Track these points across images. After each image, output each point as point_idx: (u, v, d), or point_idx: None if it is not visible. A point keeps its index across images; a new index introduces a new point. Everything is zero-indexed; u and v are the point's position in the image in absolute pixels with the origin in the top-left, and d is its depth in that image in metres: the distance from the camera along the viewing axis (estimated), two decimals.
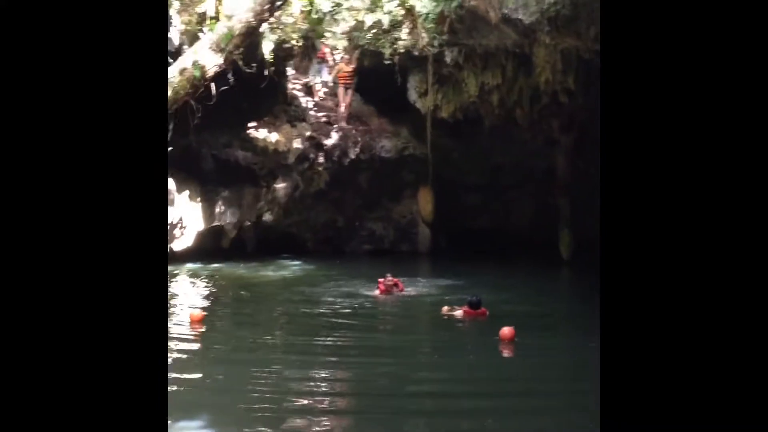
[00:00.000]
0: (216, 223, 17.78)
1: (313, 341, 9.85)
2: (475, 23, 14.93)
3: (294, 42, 17.12)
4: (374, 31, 17.49)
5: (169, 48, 14.43)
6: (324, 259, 18.21)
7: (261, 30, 13.87)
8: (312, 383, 8.03)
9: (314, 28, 17.19)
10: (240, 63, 11.71)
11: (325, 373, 8.43)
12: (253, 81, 15.30)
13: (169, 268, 15.48)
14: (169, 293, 13.30)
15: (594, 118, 16.09)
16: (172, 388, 7.35)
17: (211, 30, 11.27)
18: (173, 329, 10.46)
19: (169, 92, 10.36)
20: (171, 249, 16.54)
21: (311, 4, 16.82)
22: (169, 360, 8.56)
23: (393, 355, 9.38)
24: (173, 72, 10.64)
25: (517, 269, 16.79)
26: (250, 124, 18.16)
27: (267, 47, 16.10)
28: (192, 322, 10.81)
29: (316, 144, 18.58)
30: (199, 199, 17.26)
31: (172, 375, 7.83)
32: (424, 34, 16.51)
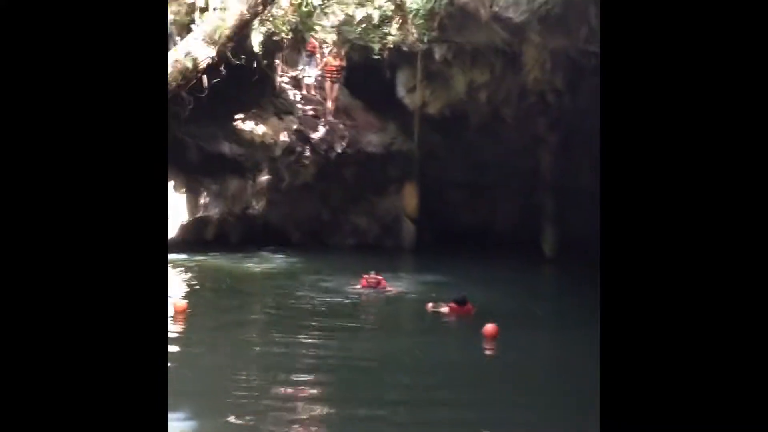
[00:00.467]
0: (200, 215, 17.73)
1: (295, 336, 9.85)
2: (465, 21, 14.98)
3: (283, 35, 17.07)
4: (364, 25, 17.47)
5: None
6: (308, 252, 18.20)
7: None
8: (293, 377, 8.04)
9: (304, 21, 17.14)
10: (229, 55, 11.67)
11: (307, 368, 8.44)
12: (242, 73, 15.26)
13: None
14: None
15: (581, 118, 16.19)
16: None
17: (204, 21, 11.22)
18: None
19: None
20: None
21: None
22: None
23: (375, 351, 9.38)
24: None
25: (500, 266, 16.87)
26: (237, 116, 18.10)
27: (256, 39, 16.05)
28: (176, 313, 10.80)
29: (302, 137, 18.55)
30: (184, 190, 17.21)
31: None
32: (413, 30, 16.52)
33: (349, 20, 17.55)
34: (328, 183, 19.15)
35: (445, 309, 11.13)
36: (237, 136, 18.02)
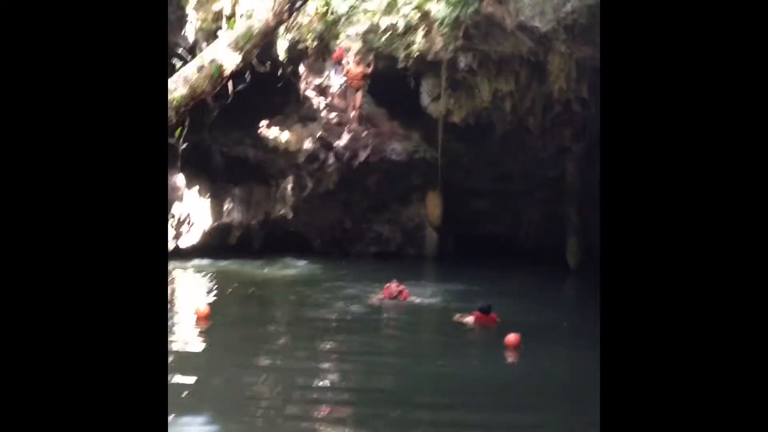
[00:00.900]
0: (224, 220, 17.81)
1: (316, 344, 9.82)
2: (490, 29, 14.93)
3: (308, 42, 17.14)
4: (389, 34, 17.49)
5: (184, 44, 14.50)
6: (330, 260, 18.21)
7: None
8: (314, 385, 8.02)
9: (329, 29, 17.20)
10: (254, 62, 11.73)
11: (327, 377, 8.41)
12: (267, 80, 15.34)
13: (176, 263, 15.53)
14: (170, 289, 13.33)
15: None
16: (175, 383, 7.37)
17: (230, 29, 11.30)
18: (179, 325, 10.50)
19: (186, 90, 10.38)
20: (178, 245, 16.58)
21: (327, 5, 16.85)
22: (173, 355, 8.58)
23: (395, 361, 9.32)
24: (191, 69, 10.67)
25: (524, 276, 16.77)
26: (261, 123, 18.19)
27: (281, 47, 16.13)
28: (198, 318, 10.84)
29: (326, 144, 18.58)
30: (208, 195, 17.30)
31: (176, 370, 7.86)
32: (438, 39, 16.49)
33: (374, 29, 17.57)
34: (351, 190, 19.16)
35: (470, 318, 11.05)
36: (261, 142, 18.11)
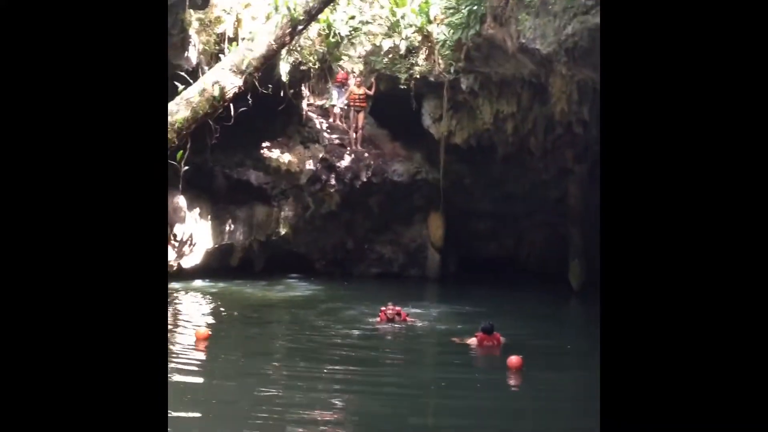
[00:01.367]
0: (225, 242, 17.80)
1: (315, 368, 9.70)
2: (492, 51, 14.98)
3: (311, 64, 17.23)
4: (391, 55, 17.59)
5: (186, 67, 14.56)
6: (332, 281, 18.17)
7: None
8: (313, 410, 7.94)
9: (331, 51, 17.30)
10: (256, 84, 11.78)
11: (326, 401, 8.33)
12: (269, 101, 15.39)
13: (177, 284, 15.49)
14: (170, 310, 13.28)
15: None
16: (175, 405, 7.31)
17: (231, 51, 11.36)
18: (179, 346, 10.44)
19: (188, 112, 10.42)
20: (179, 265, 16.56)
21: (329, 27, 16.95)
22: (174, 376, 8.53)
23: (395, 384, 9.22)
24: (193, 92, 10.72)
25: (526, 298, 16.69)
26: (263, 144, 18.24)
27: (284, 69, 16.20)
28: (197, 340, 10.78)
29: (328, 166, 18.62)
30: (209, 216, 17.30)
31: (174, 392, 7.81)
32: (440, 61, 16.59)
33: (376, 50, 17.68)
34: (353, 212, 19.16)
35: (473, 341, 10.92)
36: (263, 164, 18.14)
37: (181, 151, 10.70)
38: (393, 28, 17.33)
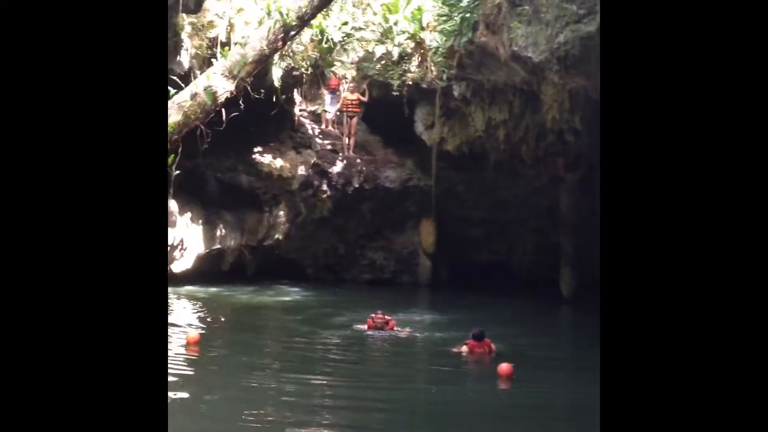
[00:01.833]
0: (217, 246, 17.76)
1: (304, 376, 9.64)
2: (484, 59, 15.03)
3: (303, 70, 17.24)
4: (383, 62, 17.62)
5: (178, 71, 14.55)
6: (323, 287, 18.15)
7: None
8: (301, 417, 7.90)
9: (324, 57, 17.31)
10: (249, 89, 11.78)
11: (314, 408, 8.29)
12: (261, 107, 15.38)
13: (168, 289, 15.43)
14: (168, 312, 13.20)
15: (599, 158, 16.05)
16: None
17: (224, 56, 11.36)
18: (169, 351, 10.40)
19: (180, 117, 10.42)
20: (170, 270, 16.50)
21: (322, 33, 16.97)
22: None
23: (385, 392, 9.14)
24: (185, 96, 10.71)
25: (517, 306, 16.69)
26: (255, 149, 18.22)
27: (276, 74, 16.20)
28: (188, 344, 10.76)
29: (320, 171, 18.62)
30: (200, 221, 17.26)
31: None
32: (433, 68, 16.63)
33: (369, 57, 17.71)
34: (345, 217, 19.16)
35: (464, 349, 10.89)
36: (255, 169, 18.12)
37: (173, 156, 10.69)
38: (386, 35, 17.36)
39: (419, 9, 16.72)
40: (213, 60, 13.95)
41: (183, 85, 11.28)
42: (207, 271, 17.54)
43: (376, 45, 17.48)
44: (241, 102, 12.38)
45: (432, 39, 16.44)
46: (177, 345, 10.87)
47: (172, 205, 15.72)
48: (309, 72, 17.48)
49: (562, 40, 12.06)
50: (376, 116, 18.88)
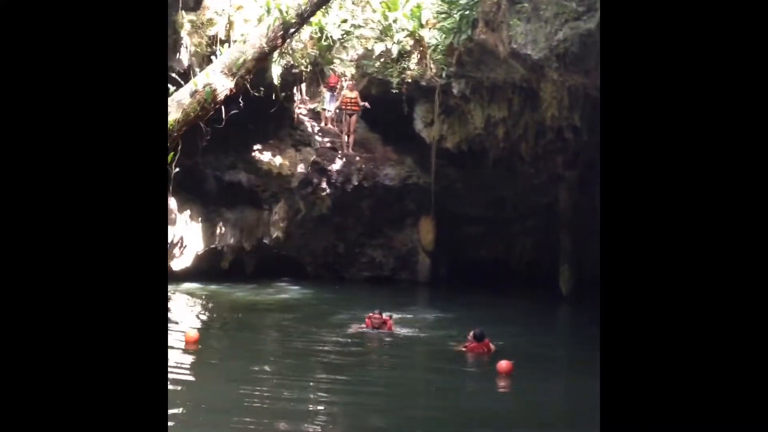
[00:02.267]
0: (216, 245, 17.76)
1: (301, 373, 9.64)
2: (483, 57, 15.02)
3: (302, 67, 17.23)
4: (383, 59, 17.61)
5: (178, 69, 14.54)
6: (323, 285, 18.15)
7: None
8: (299, 416, 7.90)
9: (323, 55, 17.30)
10: (248, 87, 11.77)
11: (312, 407, 8.29)
12: (260, 104, 15.38)
13: (167, 287, 15.42)
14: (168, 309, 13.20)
15: (599, 155, 16.01)
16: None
17: (223, 54, 11.37)
18: (168, 349, 10.40)
19: (180, 114, 10.42)
20: (170, 268, 16.50)
21: (321, 30, 16.96)
22: None
23: (385, 392, 9.12)
24: (184, 94, 10.70)
25: (516, 303, 16.70)
26: (254, 147, 18.21)
27: (275, 72, 16.19)
28: (187, 343, 10.77)
29: (319, 169, 18.62)
30: (200, 219, 17.26)
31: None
32: (432, 65, 16.62)
33: (368, 54, 17.70)
34: (345, 215, 19.16)
35: (464, 350, 10.91)
36: (254, 166, 18.12)
37: (172, 154, 10.68)
38: (385, 32, 17.35)
39: (418, 6, 16.71)
40: (212, 58, 13.94)
41: (182, 82, 11.27)
42: (206, 269, 17.54)
43: (376, 42, 17.47)
44: (240, 100, 12.37)
45: (431, 36, 16.43)
46: (176, 343, 10.88)
47: (172, 203, 15.72)
48: (308, 70, 17.47)
49: (561, 38, 12.06)
50: (376, 114, 18.87)
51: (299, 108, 19.69)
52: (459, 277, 19.41)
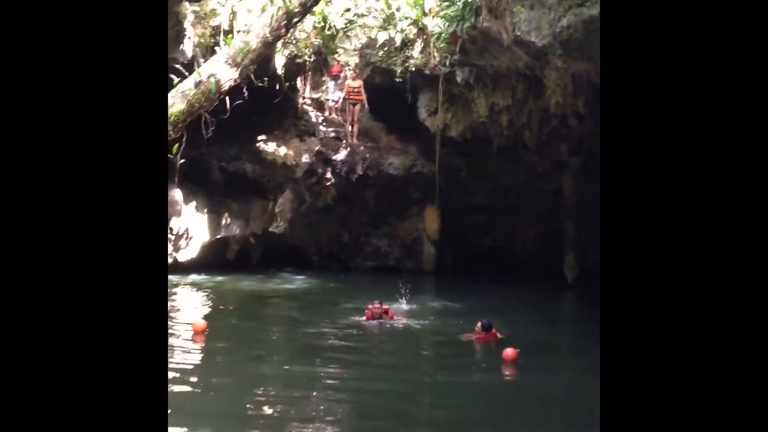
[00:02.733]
0: (222, 235, 17.81)
1: (309, 365, 9.65)
2: (487, 44, 14.98)
3: (306, 57, 17.22)
4: (386, 48, 17.59)
5: (182, 60, 14.55)
6: (328, 275, 18.20)
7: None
8: (307, 407, 7.95)
9: (326, 44, 17.29)
10: (252, 77, 11.78)
11: (320, 397, 8.33)
12: (264, 95, 15.38)
13: (174, 278, 15.50)
14: (169, 303, 13.28)
15: None
16: (172, 397, 7.34)
17: (227, 44, 11.36)
18: (176, 339, 10.47)
19: (184, 105, 10.43)
20: (176, 259, 16.58)
21: (324, 20, 16.94)
22: (171, 369, 8.56)
23: (389, 379, 9.16)
24: (188, 85, 10.71)
25: (521, 291, 16.72)
26: (259, 138, 18.23)
27: (279, 62, 16.20)
28: (195, 333, 10.83)
29: (324, 159, 18.63)
30: (206, 210, 17.31)
31: (172, 385, 7.85)
32: (435, 54, 16.58)
33: (371, 43, 17.68)
34: (349, 205, 19.18)
35: (470, 336, 10.96)
36: (259, 157, 18.15)
37: (177, 144, 10.71)
38: (388, 21, 17.32)
39: None
40: (216, 48, 13.95)
41: (186, 73, 11.29)
42: (212, 259, 17.61)
43: (379, 31, 17.44)
44: (245, 90, 12.39)
45: (434, 25, 16.39)
46: (184, 333, 10.95)
47: (177, 194, 15.78)
48: (312, 59, 17.46)
49: (565, 24, 12.02)
50: (380, 103, 18.86)
51: (303, 98, 19.69)
52: (464, 265, 19.43)
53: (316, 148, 18.63)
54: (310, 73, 18.80)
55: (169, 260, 16.06)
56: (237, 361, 9.80)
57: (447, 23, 15.78)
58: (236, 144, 17.85)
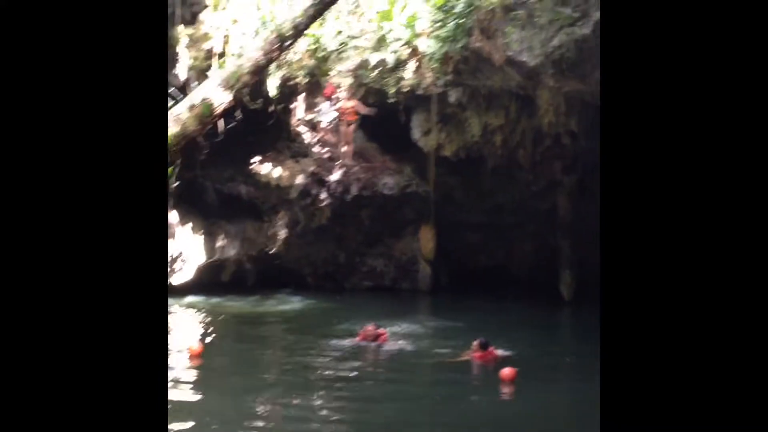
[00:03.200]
0: (217, 257, 17.78)
1: (305, 389, 9.58)
2: (479, 64, 15.09)
3: (299, 79, 17.29)
4: (379, 69, 17.66)
5: (175, 83, 14.61)
6: (324, 295, 18.15)
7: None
8: (309, 424, 7.92)
9: (319, 66, 17.36)
10: (246, 99, 11.84)
11: (322, 416, 8.30)
12: (258, 116, 15.44)
13: (169, 300, 15.44)
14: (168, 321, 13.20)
15: (597, 160, 16.08)
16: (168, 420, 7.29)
17: (221, 67, 11.44)
18: (172, 361, 10.41)
19: (178, 128, 10.47)
20: (171, 283, 16.52)
21: (317, 42, 17.03)
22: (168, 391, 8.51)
23: (387, 402, 9.11)
24: (182, 108, 10.76)
25: (518, 309, 16.70)
26: (253, 159, 18.26)
27: (272, 84, 16.26)
28: (191, 356, 10.78)
29: (318, 180, 18.64)
30: (201, 232, 17.29)
31: (168, 406, 7.79)
32: (428, 74, 16.67)
33: (364, 64, 17.75)
34: (344, 225, 19.17)
35: (466, 357, 10.89)
36: (253, 178, 18.15)
37: (171, 168, 10.74)
38: (380, 42, 17.41)
39: (413, 16, 16.78)
40: (209, 72, 14.01)
41: (180, 97, 11.34)
42: (208, 281, 17.56)
43: (372, 53, 17.53)
44: (238, 113, 12.44)
45: (427, 45, 16.49)
46: (180, 356, 10.89)
47: (172, 216, 15.77)
48: (305, 81, 17.53)
49: (556, 44, 12.13)
50: (373, 123, 18.92)
51: (297, 119, 19.72)
52: (460, 284, 19.40)
53: (311, 169, 18.64)
54: (303, 94, 18.83)
55: None
56: (233, 384, 9.73)
57: (439, 44, 15.88)
58: (231, 166, 17.86)
